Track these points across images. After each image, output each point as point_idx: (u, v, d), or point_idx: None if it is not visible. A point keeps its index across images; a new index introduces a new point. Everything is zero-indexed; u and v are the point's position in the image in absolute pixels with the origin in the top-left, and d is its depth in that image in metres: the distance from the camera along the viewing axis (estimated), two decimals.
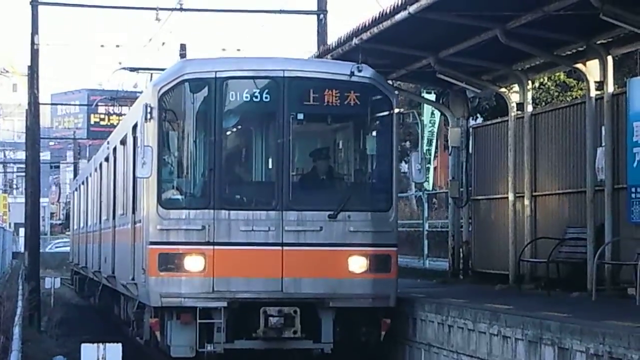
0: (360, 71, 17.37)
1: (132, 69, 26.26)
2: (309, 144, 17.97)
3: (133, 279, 18.85)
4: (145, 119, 17.00)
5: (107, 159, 24.67)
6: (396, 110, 17.42)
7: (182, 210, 17.06)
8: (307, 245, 17.14)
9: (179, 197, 17.25)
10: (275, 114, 17.24)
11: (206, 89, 17.14)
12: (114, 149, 22.86)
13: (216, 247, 16.92)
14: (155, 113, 17.09)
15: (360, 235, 17.23)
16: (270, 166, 17.58)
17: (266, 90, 17.23)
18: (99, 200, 26.89)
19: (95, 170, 28.12)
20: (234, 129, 17.90)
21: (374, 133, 17.70)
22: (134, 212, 19.10)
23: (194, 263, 16.92)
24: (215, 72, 17.17)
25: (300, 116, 17.33)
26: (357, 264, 17.26)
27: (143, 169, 16.74)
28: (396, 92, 17.82)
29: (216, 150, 17.06)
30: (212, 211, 16.99)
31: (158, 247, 17.02)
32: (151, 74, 25.43)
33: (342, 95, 17.34)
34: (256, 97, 17.23)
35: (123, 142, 21.17)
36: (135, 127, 19.06)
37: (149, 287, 17.05)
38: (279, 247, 17.08)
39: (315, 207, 17.23)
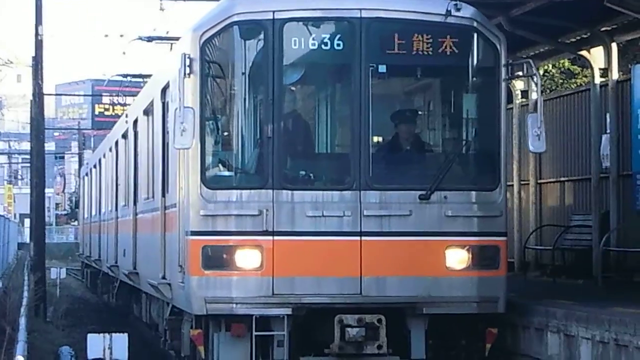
0: (458, 10, 12.60)
1: (150, 39, 21.26)
2: (393, 105, 13.22)
3: (164, 278, 14.13)
4: (184, 73, 12.19)
5: (125, 136, 19.10)
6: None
7: (232, 191, 12.34)
8: (393, 235, 12.42)
9: (228, 173, 12.54)
10: (350, 66, 12.48)
11: (262, 34, 12.39)
12: (135, 122, 17.56)
13: (276, 237, 12.26)
14: (196, 66, 12.28)
15: (460, 222, 12.54)
16: (344, 134, 12.81)
17: (338, 36, 12.45)
18: (114, 184, 21.96)
19: (110, 150, 22.54)
20: (298, 86, 13.03)
21: (476, 90, 12.90)
22: (164, 195, 14.37)
23: (248, 258, 12.24)
24: (273, 12, 12.38)
25: (382, 68, 12.56)
26: (457, 258, 12.55)
27: (183, 137, 11.93)
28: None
29: (275, 113, 12.33)
30: (270, 191, 12.29)
31: (201, 238, 12.30)
32: (171, 44, 20.61)
33: (436, 41, 12.56)
34: (325, 44, 12.42)
35: (147, 111, 16.42)
36: (165, 89, 14.37)
37: (190, 289, 12.40)
38: (357, 237, 12.35)
39: (403, 186, 12.55)
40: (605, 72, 17.54)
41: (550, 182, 20.38)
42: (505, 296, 12.63)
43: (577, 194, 19.47)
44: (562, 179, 19.91)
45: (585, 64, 20.10)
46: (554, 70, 29.13)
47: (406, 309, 12.40)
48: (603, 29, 17.26)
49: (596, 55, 17.69)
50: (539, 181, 20.59)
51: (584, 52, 17.99)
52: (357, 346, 12.13)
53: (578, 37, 17.92)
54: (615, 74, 17.52)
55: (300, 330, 12.31)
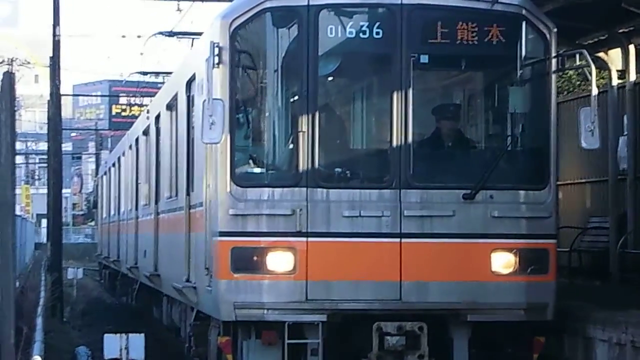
0: None
1: (171, 34, 20.16)
2: (436, 97, 12.17)
3: (189, 281, 13.16)
4: (213, 63, 11.14)
5: (146, 132, 18.00)
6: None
7: (263, 189, 11.31)
8: (435, 237, 11.39)
9: (259, 170, 11.48)
10: (390, 56, 11.42)
11: (296, 21, 11.36)
12: (157, 117, 16.45)
13: (310, 239, 11.23)
14: (226, 55, 11.24)
15: (506, 223, 11.47)
16: (382, 128, 11.66)
17: (377, 24, 11.40)
18: (134, 183, 20.65)
19: (130, 147, 21.34)
20: (334, 77, 11.93)
21: (525, 82, 11.79)
22: (189, 194, 13.38)
23: (280, 261, 11.23)
24: None
25: (424, 59, 11.48)
26: (503, 261, 11.49)
27: (211, 131, 10.84)
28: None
29: (309, 106, 11.28)
30: (304, 190, 11.27)
31: (230, 239, 11.28)
32: (192, 40, 19.55)
33: (481, 30, 11.49)
34: (364, 32, 11.38)
35: (171, 106, 15.32)
36: (190, 82, 13.38)
37: (218, 294, 11.38)
38: (397, 239, 11.31)
39: (446, 184, 11.51)
40: (622, 73, 17.23)
41: (567, 184, 19.97)
42: (554, 303, 11.61)
43: (594, 195, 19.18)
44: (580, 180, 19.59)
45: (603, 66, 19.65)
46: (571, 72, 27.80)
47: (449, 316, 11.40)
48: (621, 30, 16.84)
49: (614, 57, 17.31)
50: (556, 183, 20.27)
51: (601, 54, 17.49)
52: (397, 356, 11.12)
53: (595, 39, 17.45)
54: (632, 76, 17.16)
55: (335, 338, 11.29)
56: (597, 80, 29.23)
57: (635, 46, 17.22)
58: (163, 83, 22.74)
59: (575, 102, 19.66)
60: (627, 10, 14.99)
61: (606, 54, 17.36)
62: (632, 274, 16.69)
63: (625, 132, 17.31)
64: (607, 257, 17.09)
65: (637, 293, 14.86)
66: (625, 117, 17.37)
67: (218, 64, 11.11)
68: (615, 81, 17.35)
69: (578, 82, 29.02)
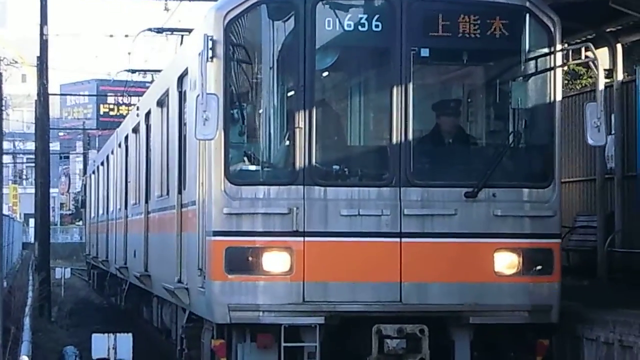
0: None
1: (160, 30, 19.72)
2: (436, 93, 11.78)
3: (181, 282, 12.72)
4: (207, 57, 10.72)
5: (136, 130, 17.51)
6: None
7: (258, 187, 10.88)
8: (436, 236, 10.98)
9: (254, 168, 11.03)
10: (390, 50, 11.00)
11: (292, 13, 10.92)
12: (147, 114, 16.00)
13: (307, 238, 10.81)
14: (220, 49, 10.81)
15: (510, 222, 11.08)
16: (382, 124, 11.26)
17: (376, 16, 10.98)
18: (123, 182, 20.30)
19: (119, 145, 20.79)
20: (331, 71, 11.46)
21: (528, 77, 11.41)
22: (181, 192, 12.94)
23: (276, 261, 10.82)
24: None
25: (425, 52, 11.10)
26: (506, 262, 11.10)
27: (205, 127, 10.42)
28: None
29: (306, 101, 10.85)
30: (300, 188, 10.85)
31: (224, 238, 10.84)
32: (181, 36, 19.09)
33: (484, 22, 11.07)
34: (362, 25, 10.96)
35: (161, 102, 14.97)
36: (182, 77, 12.96)
37: (212, 295, 10.95)
38: (396, 239, 10.90)
39: (447, 182, 11.09)
40: (610, 73, 16.83)
41: None
42: (559, 304, 11.24)
43: (582, 194, 18.99)
44: (567, 179, 19.28)
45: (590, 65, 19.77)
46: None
47: (450, 318, 11.01)
48: (608, 30, 16.52)
49: (601, 56, 16.56)
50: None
51: (589, 53, 17.27)
52: (397, 359, 10.71)
53: (583, 38, 17.08)
54: (620, 75, 16.88)
55: (333, 341, 10.92)
56: (585, 79, 28.81)
57: (623, 45, 17.04)
58: (151, 82, 22.30)
59: (563, 101, 19.59)
60: (614, 10, 14.74)
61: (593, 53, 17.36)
62: (619, 273, 16.54)
63: (613, 132, 17.08)
64: (595, 256, 16.94)
65: (624, 292, 14.71)
66: (612, 116, 17.11)
67: (212, 57, 10.70)
68: (602, 80, 17.27)
69: (566, 81, 29.33)
